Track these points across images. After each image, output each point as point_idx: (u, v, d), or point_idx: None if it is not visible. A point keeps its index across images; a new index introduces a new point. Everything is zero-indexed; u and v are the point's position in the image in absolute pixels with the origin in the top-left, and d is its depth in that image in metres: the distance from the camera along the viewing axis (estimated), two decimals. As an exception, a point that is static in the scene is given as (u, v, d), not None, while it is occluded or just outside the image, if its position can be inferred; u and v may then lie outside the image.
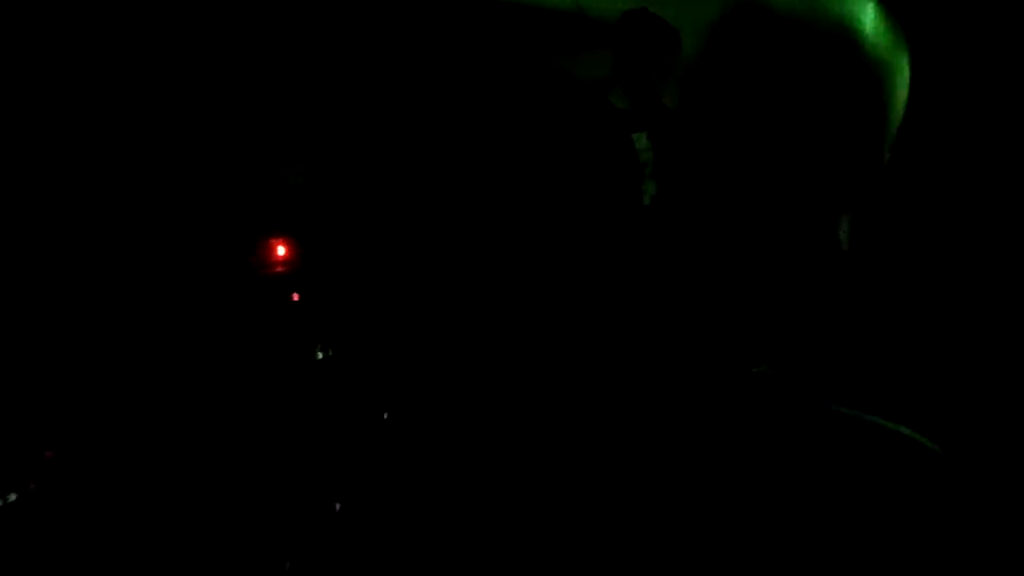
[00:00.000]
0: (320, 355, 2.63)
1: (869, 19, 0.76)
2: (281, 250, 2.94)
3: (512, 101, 3.73)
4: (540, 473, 1.08)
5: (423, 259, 3.38)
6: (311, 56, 2.99)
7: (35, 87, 2.26)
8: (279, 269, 2.94)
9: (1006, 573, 0.74)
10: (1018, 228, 1.44)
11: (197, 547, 2.24)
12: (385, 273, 3.23)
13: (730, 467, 0.75)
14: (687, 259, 0.80)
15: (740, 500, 0.73)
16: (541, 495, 1.07)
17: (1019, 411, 0.96)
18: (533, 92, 3.69)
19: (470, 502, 1.24)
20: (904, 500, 0.76)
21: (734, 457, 0.75)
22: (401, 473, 2.60)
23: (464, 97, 3.58)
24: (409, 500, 2.56)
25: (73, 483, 2.09)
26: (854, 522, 0.73)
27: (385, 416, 2.67)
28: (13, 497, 1.95)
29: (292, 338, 2.72)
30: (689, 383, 0.82)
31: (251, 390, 2.59)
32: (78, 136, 2.36)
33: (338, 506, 2.46)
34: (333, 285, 3.02)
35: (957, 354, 1.01)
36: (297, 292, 2.87)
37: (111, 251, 2.49)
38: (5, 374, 2.18)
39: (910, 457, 0.79)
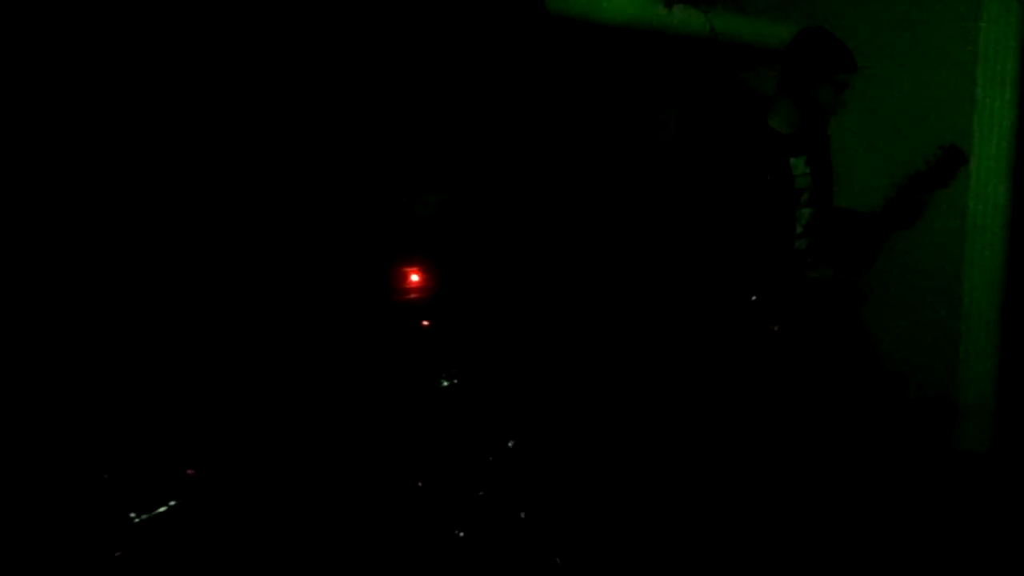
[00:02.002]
0: (445, 383, 2.66)
1: None
2: (414, 277, 2.99)
3: (657, 123, 3.70)
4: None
5: (556, 287, 3.37)
6: (443, 87, 3.05)
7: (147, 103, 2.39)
8: (412, 296, 2.99)
9: None
10: None
11: (319, 570, 2.29)
12: (516, 300, 3.24)
13: None
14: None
15: None
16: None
17: None
18: (687, 114, 3.65)
19: (588, 528, 1.28)
20: None
21: None
22: (524, 502, 2.58)
23: (596, 124, 3.57)
24: (532, 529, 2.54)
25: (210, 500, 2.18)
26: None
27: (510, 445, 2.67)
28: (162, 510, 2.04)
29: (420, 365, 2.76)
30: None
31: (379, 416, 2.64)
32: (210, 162, 2.48)
33: (461, 534, 2.47)
34: (463, 313, 3.05)
35: None
36: (427, 319, 2.91)
37: (252, 278, 2.59)
38: (151, 392, 2.30)
39: None
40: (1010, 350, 3.40)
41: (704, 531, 2.68)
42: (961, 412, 3.42)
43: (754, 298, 2.68)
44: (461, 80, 3.09)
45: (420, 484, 2.50)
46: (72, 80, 2.11)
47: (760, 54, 3.25)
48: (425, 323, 2.91)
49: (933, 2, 3.38)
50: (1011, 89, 3.28)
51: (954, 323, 3.44)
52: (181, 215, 2.41)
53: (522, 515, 2.55)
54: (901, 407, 3.36)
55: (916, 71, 3.47)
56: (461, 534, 2.46)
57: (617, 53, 3.31)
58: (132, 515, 1.92)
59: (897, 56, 3.48)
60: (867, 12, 3.48)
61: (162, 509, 2.05)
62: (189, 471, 2.22)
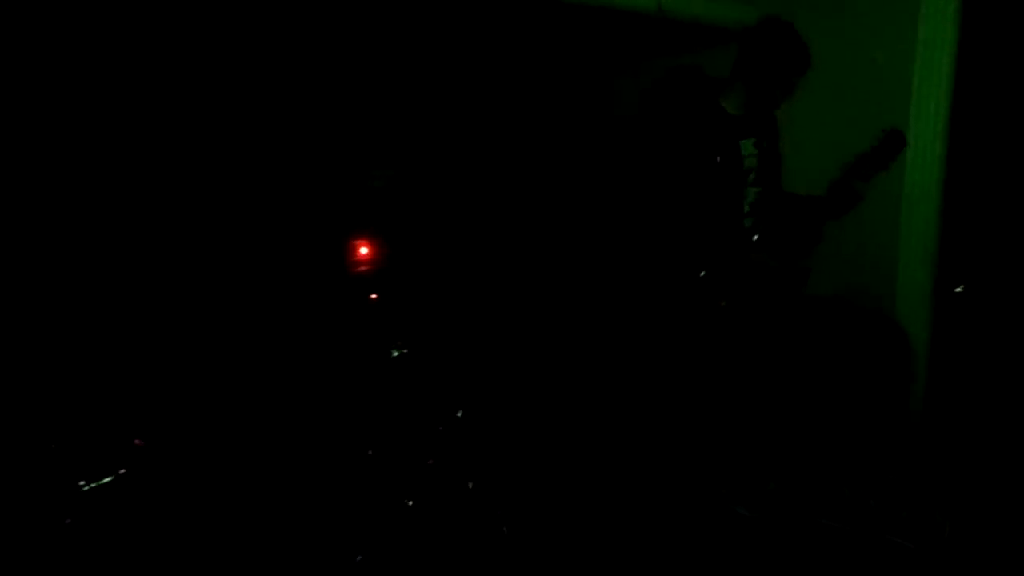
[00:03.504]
0: (396, 353, 2.68)
1: None
2: (364, 250, 3.00)
3: (601, 103, 3.73)
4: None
5: (504, 261, 3.41)
6: (394, 61, 3.04)
7: (120, 94, 2.36)
8: (362, 269, 3.00)
9: None
10: None
11: (271, 537, 2.31)
12: (465, 274, 3.27)
13: None
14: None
15: None
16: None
17: None
18: (637, 93, 3.68)
19: (537, 500, 1.33)
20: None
21: None
22: (472, 471, 2.63)
23: (546, 100, 3.60)
24: (480, 497, 2.58)
25: (158, 470, 2.18)
26: None
27: (459, 415, 2.71)
28: (106, 480, 2.04)
29: (370, 336, 2.77)
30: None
31: (329, 386, 2.65)
32: (167, 136, 2.46)
33: (410, 503, 2.51)
34: (412, 285, 3.07)
35: None
36: (376, 292, 2.92)
37: (201, 248, 2.58)
38: (99, 364, 2.29)
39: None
40: (940, 334, 3.54)
41: (653, 496, 2.75)
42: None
43: (703, 274, 2.75)
44: (412, 55, 3.09)
45: (370, 453, 2.54)
46: (50, 83, 2.09)
47: (709, 33, 3.31)
48: (374, 296, 2.92)
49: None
50: (947, 76, 3.39)
51: (889, 302, 3.55)
52: (133, 185, 2.39)
53: (470, 485, 2.60)
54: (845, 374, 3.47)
55: (857, 56, 3.55)
56: (410, 503, 2.50)
57: (565, 28, 3.33)
58: (81, 483, 1.92)
59: (840, 41, 3.56)
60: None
61: (111, 478, 2.05)
62: (136, 441, 2.21)
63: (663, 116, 2.91)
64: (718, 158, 2.79)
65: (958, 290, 3.37)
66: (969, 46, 3.38)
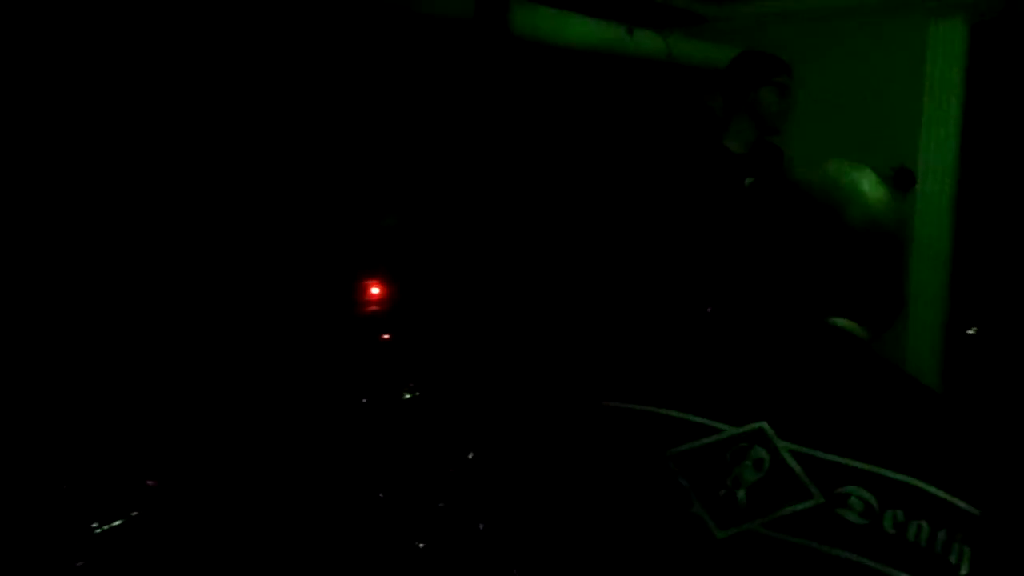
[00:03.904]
0: (408, 396, 2.68)
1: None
2: (375, 290, 3.01)
3: (618, 143, 3.77)
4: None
5: (516, 302, 3.42)
6: (408, 104, 3.09)
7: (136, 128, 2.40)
8: (372, 309, 3.01)
9: None
10: None
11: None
12: (477, 314, 3.28)
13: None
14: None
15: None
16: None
17: None
18: (643, 135, 3.73)
19: (549, 546, 1.28)
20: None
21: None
22: (484, 513, 2.61)
23: (563, 143, 3.64)
24: (491, 540, 2.57)
25: (170, 512, 2.18)
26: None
27: (470, 457, 2.70)
28: (117, 523, 2.04)
29: (381, 377, 2.78)
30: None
31: (341, 428, 2.66)
32: (179, 179, 2.49)
33: (421, 545, 2.50)
34: (424, 326, 3.08)
35: None
36: (388, 332, 2.93)
37: (214, 289, 2.60)
38: (111, 404, 2.29)
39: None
40: (953, 370, 3.53)
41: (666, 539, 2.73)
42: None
43: (710, 310, 2.76)
44: (426, 97, 3.13)
45: (381, 495, 2.53)
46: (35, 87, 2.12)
47: (716, 77, 3.35)
48: (386, 336, 2.93)
49: (881, 33, 3.52)
50: (956, 117, 3.42)
51: (900, 343, 3.56)
52: (143, 227, 2.42)
53: (480, 527, 2.58)
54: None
55: (866, 97, 3.59)
56: (421, 545, 2.49)
57: (579, 75, 3.38)
58: (94, 525, 1.92)
59: (848, 83, 3.61)
60: (818, 41, 3.61)
61: (123, 520, 2.05)
62: (149, 482, 2.22)
63: (668, 158, 2.95)
64: (723, 196, 2.82)
65: (970, 332, 3.37)
66: (977, 85, 3.42)
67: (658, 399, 1.18)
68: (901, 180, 2.80)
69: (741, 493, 1.01)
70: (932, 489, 0.97)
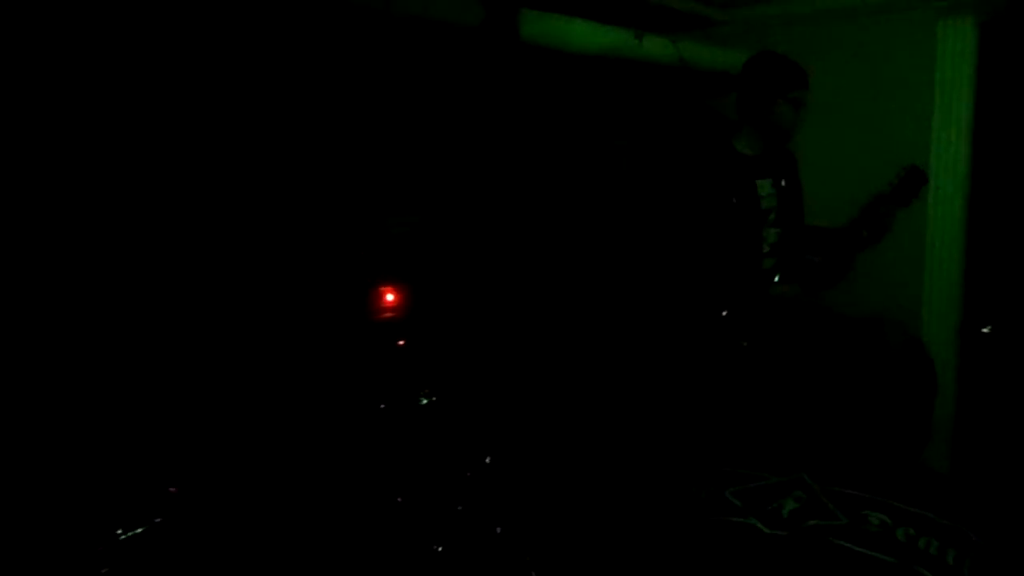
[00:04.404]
0: (424, 401, 2.70)
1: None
2: (390, 297, 3.03)
3: (628, 149, 3.78)
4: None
5: (531, 306, 3.43)
6: (419, 110, 3.11)
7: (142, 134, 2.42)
8: (388, 315, 3.03)
9: None
10: None
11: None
12: (492, 319, 3.30)
13: None
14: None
15: None
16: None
17: None
18: (654, 140, 3.74)
19: (565, 545, 1.42)
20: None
21: None
22: (502, 517, 2.63)
23: (575, 147, 3.66)
24: (509, 544, 2.58)
25: (192, 519, 2.20)
26: None
27: (487, 461, 2.72)
28: (140, 530, 2.07)
29: (398, 383, 2.80)
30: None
31: (359, 433, 2.68)
32: (186, 181, 2.52)
33: (440, 548, 2.51)
34: (440, 331, 3.10)
35: None
36: (404, 338, 2.95)
37: (230, 297, 2.63)
38: (134, 412, 2.32)
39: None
40: (967, 370, 3.51)
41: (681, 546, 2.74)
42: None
43: (724, 314, 2.77)
44: (437, 104, 3.16)
45: (400, 499, 2.55)
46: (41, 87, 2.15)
47: (728, 81, 3.37)
48: (401, 342, 2.95)
49: (891, 33, 3.52)
50: (967, 117, 3.42)
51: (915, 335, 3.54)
52: (159, 233, 2.45)
53: (498, 530, 2.60)
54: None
55: (877, 97, 3.59)
56: (440, 548, 2.51)
57: (589, 80, 3.40)
58: (119, 532, 1.94)
59: (858, 84, 3.61)
60: (828, 43, 3.62)
61: (146, 527, 2.08)
62: (172, 489, 2.24)
63: (679, 160, 2.95)
64: (734, 199, 2.82)
65: (985, 331, 3.36)
66: (989, 82, 3.41)
67: (717, 457, 1.44)
68: (912, 180, 2.80)
69: (784, 512, 1.26)
70: (940, 519, 1.19)
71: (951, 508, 1.21)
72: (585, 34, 2.88)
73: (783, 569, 1.20)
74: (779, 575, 1.20)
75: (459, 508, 2.59)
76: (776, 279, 2.87)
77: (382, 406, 2.73)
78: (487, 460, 2.69)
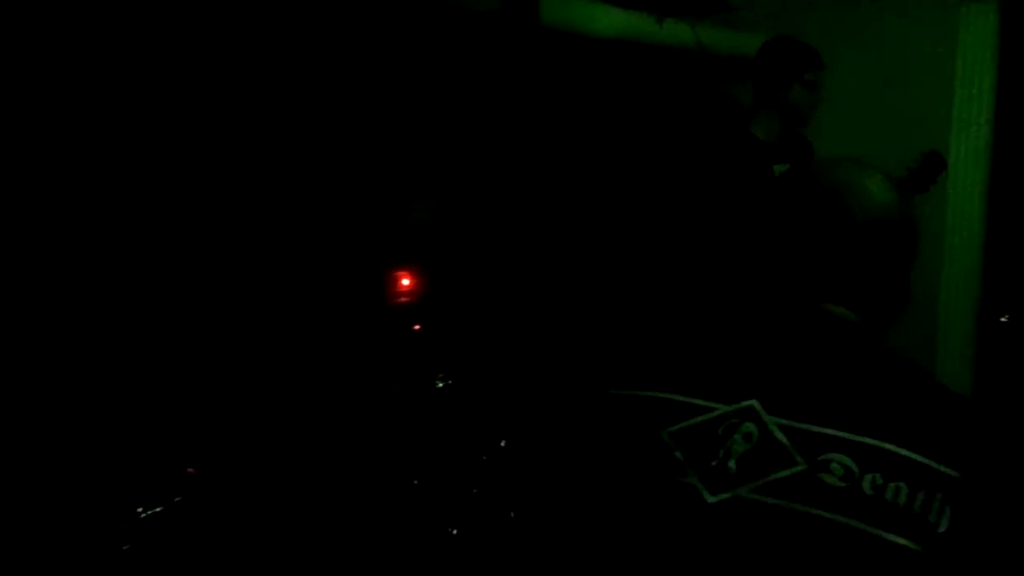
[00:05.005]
0: (440, 384, 2.72)
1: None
2: (405, 281, 3.05)
3: (647, 133, 3.77)
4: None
5: (547, 290, 3.44)
6: (438, 94, 3.11)
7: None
8: (404, 300, 3.05)
9: None
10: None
11: (322, 568, 2.34)
12: (509, 303, 3.30)
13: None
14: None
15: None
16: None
17: None
18: (672, 125, 3.74)
19: (583, 535, 1.33)
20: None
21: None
22: (516, 500, 2.64)
23: (590, 132, 3.65)
24: (525, 528, 2.60)
25: (210, 498, 2.23)
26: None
27: (503, 445, 2.73)
28: (159, 509, 2.09)
29: (414, 367, 2.81)
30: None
31: (375, 417, 2.69)
32: (201, 166, 2.53)
33: (455, 531, 2.53)
34: (456, 316, 3.11)
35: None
36: (420, 322, 2.97)
37: (246, 281, 2.64)
38: (151, 392, 2.34)
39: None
40: (985, 358, 3.50)
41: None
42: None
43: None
44: (456, 88, 3.15)
45: (416, 482, 2.56)
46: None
47: (746, 66, 3.35)
48: (417, 327, 2.96)
49: (911, 18, 3.49)
50: (988, 104, 3.39)
51: (932, 331, 3.53)
52: (174, 219, 2.46)
53: (512, 514, 2.61)
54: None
55: (896, 83, 3.57)
56: (455, 531, 2.52)
57: (609, 64, 3.39)
58: (139, 510, 1.97)
59: (878, 69, 3.58)
60: (847, 27, 3.59)
61: (166, 505, 2.10)
62: (190, 470, 2.27)
63: (696, 146, 2.95)
64: (752, 184, 2.81)
65: (1004, 319, 3.34)
66: (1010, 68, 3.38)
67: (657, 384, 1.27)
68: (931, 165, 2.78)
69: (732, 463, 1.09)
70: (911, 454, 1.05)
71: (936, 437, 1.08)
72: (607, 18, 2.87)
73: (725, 549, 1.07)
74: (720, 557, 1.07)
75: (474, 491, 2.60)
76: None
77: (397, 390, 2.75)
78: (502, 444, 2.70)
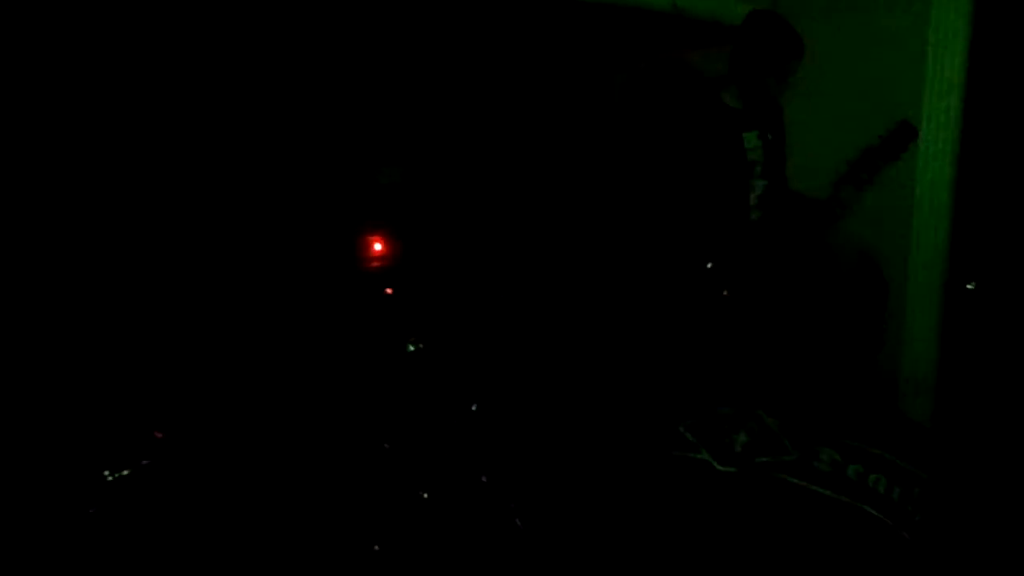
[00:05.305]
0: (411, 348, 2.71)
1: None
2: (377, 246, 3.03)
3: (617, 98, 3.75)
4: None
5: (514, 255, 3.43)
6: (404, 56, 3.07)
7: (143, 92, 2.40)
8: (375, 264, 3.03)
9: None
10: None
11: (287, 528, 2.34)
12: (477, 268, 3.30)
13: None
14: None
15: None
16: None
17: None
18: (642, 90, 3.71)
19: (549, 493, 1.46)
20: None
21: None
22: (489, 464, 2.66)
23: (562, 95, 3.62)
24: (496, 492, 2.61)
25: (177, 463, 2.22)
26: None
27: (473, 408, 2.74)
28: (125, 473, 2.08)
29: (385, 331, 2.81)
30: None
31: (345, 382, 2.69)
32: (173, 138, 2.49)
33: (426, 495, 2.54)
34: (426, 280, 3.10)
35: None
36: (391, 287, 2.95)
37: (217, 248, 2.62)
38: (120, 357, 2.32)
39: None
40: (950, 331, 3.54)
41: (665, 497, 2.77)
42: (905, 388, 3.56)
43: (709, 265, 2.78)
44: (422, 53, 3.12)
45: (387, 446, 2.57)
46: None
47: (721, 31, 3.33)
48: (389, 291, 2.95)
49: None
50: (960, 71, 3.40)
51: (899, 302, 3.56)
52: (145, 187, 2.43)
53: (483, 479, 2.63)
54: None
55: (868, 50, 3.56)
56: (426, 495, 2.53)
57: (578, 25, 3.35)
58: (106, 473, 1.96)
59: (850, 37, 3.57)
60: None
61: (133, 469, 2.09)
62: (156, 434, 2.25)
63: (664, 110, 2.93)
64: (720, 150, 2.81)
65: (970, 287, 3.38)
66: (982, 40, 3.39)
67: (676, 391, 1.57)
68: (902, 134, 2.79)
69: (737, 447, 1.30)
70: (888, 456, 1.24)
71: (907, 448, 1.26)
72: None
73: (732, 506, 1.26)
74: (728, 512, 1.26)
75: (445, 455, 2.61)
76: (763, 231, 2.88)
77: (369, 353, 2.74)
78: (473, 408, 2.71)
